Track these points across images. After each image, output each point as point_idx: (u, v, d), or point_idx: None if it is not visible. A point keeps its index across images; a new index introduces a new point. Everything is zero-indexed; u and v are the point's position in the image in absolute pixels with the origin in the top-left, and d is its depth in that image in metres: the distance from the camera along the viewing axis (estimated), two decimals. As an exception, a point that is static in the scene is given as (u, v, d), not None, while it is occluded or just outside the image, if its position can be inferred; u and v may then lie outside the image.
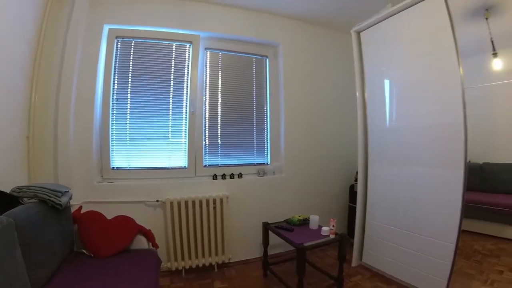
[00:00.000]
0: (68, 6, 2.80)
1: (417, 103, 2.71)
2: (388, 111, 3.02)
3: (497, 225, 3.98)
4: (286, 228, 2.82)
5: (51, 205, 1.96)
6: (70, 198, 2.27)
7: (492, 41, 3.87)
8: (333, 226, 2.58)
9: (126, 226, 2.51)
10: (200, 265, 3.06)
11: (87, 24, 2.89)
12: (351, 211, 3.78)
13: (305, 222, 2.95)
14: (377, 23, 3.04)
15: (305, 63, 3.95)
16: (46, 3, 2.67)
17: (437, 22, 2.45)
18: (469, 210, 4.04)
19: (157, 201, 2.95)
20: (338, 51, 4.18)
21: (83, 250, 2.34)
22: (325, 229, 2.62)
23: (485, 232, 4.07)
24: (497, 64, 4.24)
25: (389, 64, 3.00)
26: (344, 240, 2.55)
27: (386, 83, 3.05)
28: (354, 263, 3.25)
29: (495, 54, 4.01)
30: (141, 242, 2.54)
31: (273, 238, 2.97)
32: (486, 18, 3.64)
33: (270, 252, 3.17)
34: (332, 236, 2.55)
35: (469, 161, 4.87)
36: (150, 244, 2.59)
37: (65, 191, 2.16)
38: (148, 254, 2.39)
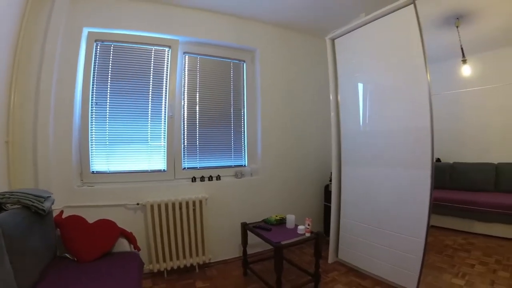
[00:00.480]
0: (47, 8, 2.82)
1: (388, 107, 2.93)
2: (361, 115, 3.24)
3: (466, 221, 4.29)
4: (264, 227, 2.98)
5: (34, 211, 2.01)
6: (52, 203, 2.33)
7: (462, 48, 4.16)
8: (309, 224, 2.76)
9: (108, 230, 2.59)
10: (182, 266, 3.18)
11: (66, 26, 2.91)
12: (327, 210, 4.01)
13: (282, 221, 3.13)
14: (351, 31, 3.25)
15: (281, 68, 4.14)
16: (25, 4, 2.68)
17: (408, 32, 2.66)
18: (440, 207, 4.35)
19: (138, 204, 3.05)
20: (314, 56, 4.39)
21: (66, 255, 2.40)
22: (301, 227, 2.79)
23: (456, 227, 4.37)
24: (466, 70, 4.55)
25: (362, 70, 3.21)
26: (320, 237, 2.74)
27: (359, 88, 3.26)
28: (330, 259, 3.46)
29: (464, 61, 4.31)
30: (123, 245, 2.63)
31: (251, 237, 3.12)
32: (457, 26, 3.92)
33: (249, 252, 3.32)
34: (308, 235, 2.73)
35: (438, 159, 5.21)
36: (132, 246, 2.68)
37: (48, 196, 2.22)
38: (130, 257, 2.48)
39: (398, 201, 2.80)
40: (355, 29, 3.20)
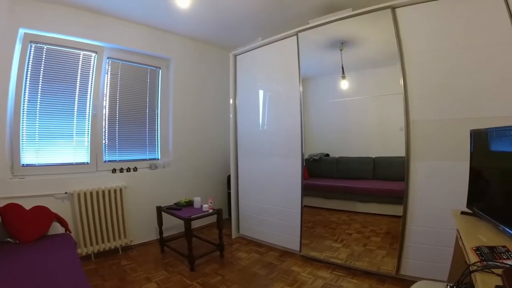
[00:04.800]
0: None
1: (275, 112, 4.05)
2: (255, 117, 4.30)
3: (350, 202, 5.53)
4: (176, 208, 3.84)
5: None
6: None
7: (342, 67, 5.41)
8: (211, 202, 3.71)
9: (44, 214, 3.17)
10: (107, 248, 3.79)
11: (4, 25, 3.18)
12: (230, 196, 4.95)
13: (190, 203, 4.02)
14: (249, 50, 4.30)
15: (192, 75, 5.09)
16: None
17: (291, 55, 3.77)
18: (328, 193, 5.58)
19: (66, 193, 3.55)
20: (220, 66, 5.46)
21: (8, 239, 2.88)
22: (205, 206, 3.72)
23: (341, 208, 5.52)
24: (344, 85, 5.86)
25: (256, 81, 4.29)
26: (220, 213, 3.69)
27: (254, 95, 4.33)
28: (233, 235, 4.49)
29: (343, 77, 5.59)
30: (57, 228, 3.23)
31: (166, 221, 4.01)
32: (341, 50, 5.14)
33: (165, 234, 4.13)
34: (210, 211, 3.66)
35: (327, 154, 6.49)
36: (65, 229, 3.28)
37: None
38: (65, 237, 3.10)
39: (281, 182, 3.92)
40: (253, 49, 4.25)
